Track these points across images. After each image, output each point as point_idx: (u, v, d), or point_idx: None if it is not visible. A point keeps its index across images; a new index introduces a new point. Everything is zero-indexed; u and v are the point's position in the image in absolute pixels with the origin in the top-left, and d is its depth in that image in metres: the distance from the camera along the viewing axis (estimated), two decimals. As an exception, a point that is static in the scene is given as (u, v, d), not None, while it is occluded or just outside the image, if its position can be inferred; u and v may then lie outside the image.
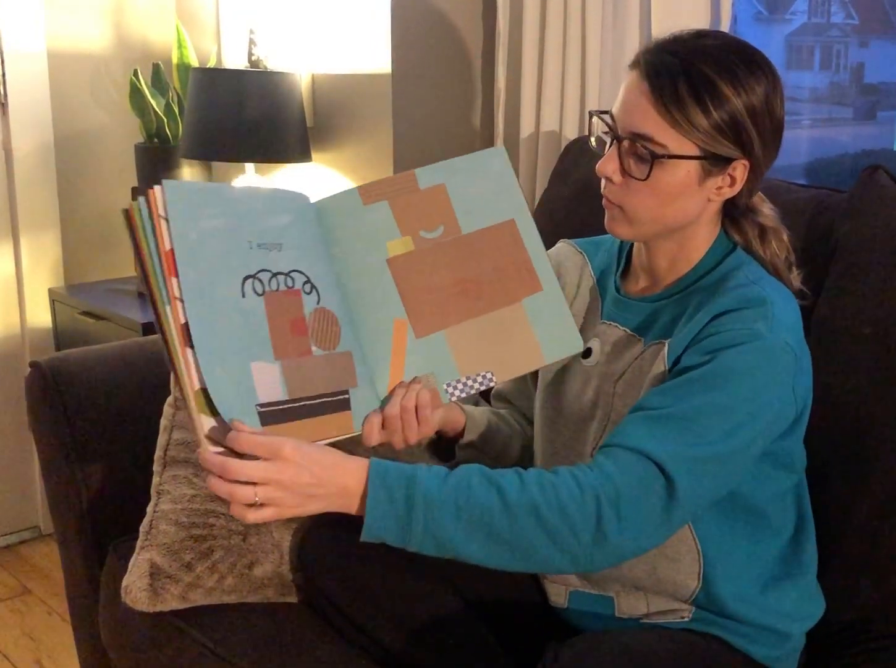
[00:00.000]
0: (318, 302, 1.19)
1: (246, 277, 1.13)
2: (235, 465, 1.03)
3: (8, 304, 2.72)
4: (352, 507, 1.08)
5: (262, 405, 1.10)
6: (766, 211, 1.30)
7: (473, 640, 1.36)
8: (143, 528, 1.48)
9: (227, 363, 1.09)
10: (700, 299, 1.24)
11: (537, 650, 1.17)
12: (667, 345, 1.24)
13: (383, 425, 1.20)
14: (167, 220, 1.09)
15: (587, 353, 1.35)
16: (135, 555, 1.46)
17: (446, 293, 1.24)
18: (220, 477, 1.03)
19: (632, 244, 1.37)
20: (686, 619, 1.28)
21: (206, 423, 1.07)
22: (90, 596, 1.66)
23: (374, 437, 1.19)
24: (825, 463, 1.25)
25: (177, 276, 1.08)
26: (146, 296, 1.11)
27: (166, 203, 1.09)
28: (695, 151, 1.18)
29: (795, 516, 1.32)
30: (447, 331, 1.24)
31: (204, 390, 1.07)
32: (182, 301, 1.07)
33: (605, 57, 2.09)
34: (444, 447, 1.41)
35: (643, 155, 1.19)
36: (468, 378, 1.24)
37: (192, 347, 1.07)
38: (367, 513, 1.07)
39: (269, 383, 1.12)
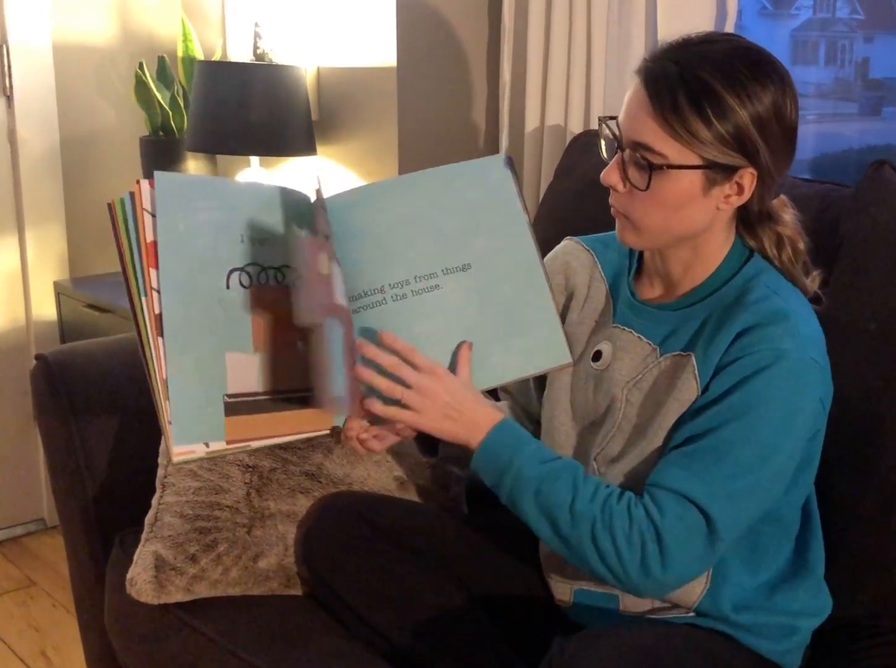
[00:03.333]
0: None
1: (233, 270, 1.17)
2: (405, 365, 1.19)
3: (13, 297, 2.72)
4: (472, 442, 1.22)
5: (230, 396, 1.16)
6: (787, 218, 1.28)
7: (477, 634, 1.36)
8: (148, 520, 1.49)
9: (198, 353, 1.14)
10: (721, 312, 1.23)
11: (542, 645, 1.17)
12: (694, 361, 1.23)
13: None
14: (153, 213, 1.13)
15: (597, 355, 1.34)
16: (140, 547, 1.47)
17: None
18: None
19: None
20: (691, 615, 1.28)
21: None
22: (95, 588, 1.66)
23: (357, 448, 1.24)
24: (831, 458, 1.25)
25: (157, 267, 1.12)
26: (124, 287, 1.15)
27: (154, 194, 1.13)
28: (696, 161, 1.16)
29: (803, 513, 1.32)
30: None
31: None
32: (159, 292, 1.12)
33: (611, 51, 2.08)
34: (429, 440, 1.41)
35: (643, 164, 1.17)
36: None
37: (163, 336, 1.12)
38: (475, 456, 1.22)
39: (244, 375, 1.17)
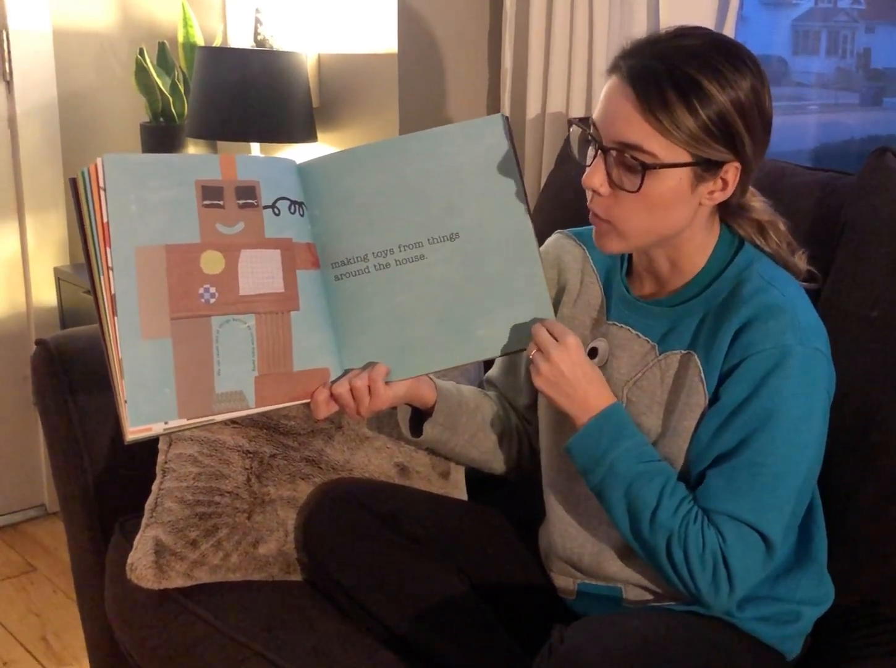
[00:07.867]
0: None
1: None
2: (548, 332, 1.22)
3: (13, 283, 2.72)
4: (577, 418, 1.23)
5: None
6: (758, 205, 1.28)
7: (477, 622, 1.36)
8: (148, 506, 1.49)
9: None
10: (718, 308, 1.23)
11: (542, 633, 1.17)
12: (698, 362, 1.23)
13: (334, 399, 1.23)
14: (106, 191, 1.12)
15: (593, 352, 1.33)
16: (140, 533, 1.47)
17: None
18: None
19: None
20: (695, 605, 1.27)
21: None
22: (95, 574, 1.66)
23: (321, 411, 1.23)
24: (831, 446, 1.25)
25: (110, 246, 1.11)
26: (85, 265, 1.14)
27: (105, 176, 1.12)
28: (686, 158, 1.15)
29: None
30: None
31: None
32: (113, 270, 1.11)
33: (613, 38, 2.08)
34: (415, 423, 1.40)
35: (633, 166, 1.16)
36: None
37: (117, 316, 1.11)
38: (575, 436, 1.24)
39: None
